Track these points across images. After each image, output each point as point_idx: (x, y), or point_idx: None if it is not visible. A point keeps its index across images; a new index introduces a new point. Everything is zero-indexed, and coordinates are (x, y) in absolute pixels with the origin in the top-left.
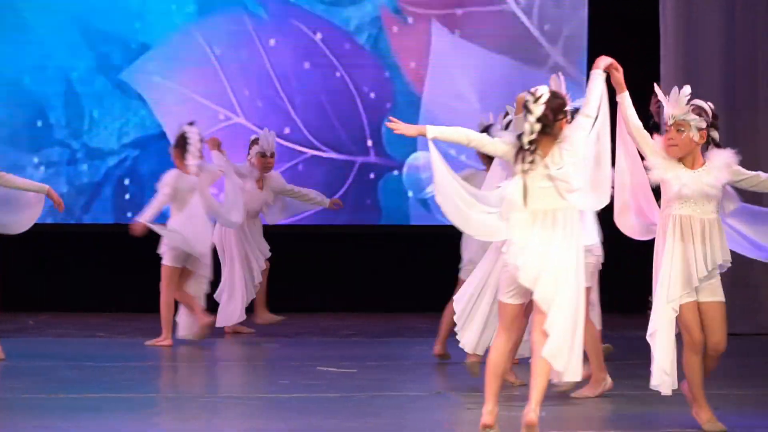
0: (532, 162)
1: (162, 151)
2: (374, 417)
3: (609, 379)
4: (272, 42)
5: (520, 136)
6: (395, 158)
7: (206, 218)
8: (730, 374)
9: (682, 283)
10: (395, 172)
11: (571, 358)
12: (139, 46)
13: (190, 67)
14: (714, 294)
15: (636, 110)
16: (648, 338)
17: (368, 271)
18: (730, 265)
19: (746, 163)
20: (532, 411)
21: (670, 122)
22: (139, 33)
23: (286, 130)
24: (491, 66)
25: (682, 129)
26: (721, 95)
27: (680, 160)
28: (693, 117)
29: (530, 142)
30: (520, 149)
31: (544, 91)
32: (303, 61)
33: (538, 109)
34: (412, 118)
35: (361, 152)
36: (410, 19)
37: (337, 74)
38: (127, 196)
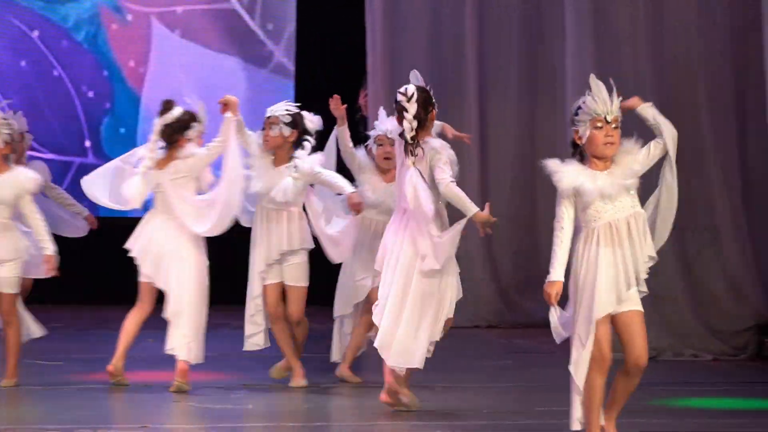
0: (415, 155)
1: None
2: (77, 409)
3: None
4: None
5: (402, 134)
6: (113, 158)
7: None
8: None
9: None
10: None
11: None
12: None
13: None
14: (633, 302)
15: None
16: (572, 367)
17: (80, 263)
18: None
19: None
20: None
21: (608, 118)
22: None
23: None
24: (213, 65)
25: (616, 126)
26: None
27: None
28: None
29: (412, 138)
30: (406, 144)
31: (413, 90)
32: (19, 59)
33: (413, 108)
34: (132, 118)
35: (79, 153)
36: (130, 17)
37: (55, 73)
38: None
